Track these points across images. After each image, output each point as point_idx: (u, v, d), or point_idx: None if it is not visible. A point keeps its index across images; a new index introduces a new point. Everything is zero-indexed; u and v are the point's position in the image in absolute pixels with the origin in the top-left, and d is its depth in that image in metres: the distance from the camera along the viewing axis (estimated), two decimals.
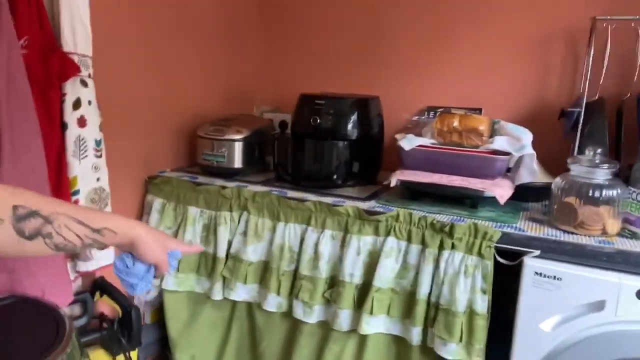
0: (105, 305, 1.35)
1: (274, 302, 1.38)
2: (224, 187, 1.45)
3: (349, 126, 1.51)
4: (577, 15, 1.51)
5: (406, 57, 1.81)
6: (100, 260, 1.33)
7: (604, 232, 1.13)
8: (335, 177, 1.48)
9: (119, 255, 0.76)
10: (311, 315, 1.32)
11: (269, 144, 1.68)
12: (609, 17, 1.36)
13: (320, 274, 1.30)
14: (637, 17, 1.33)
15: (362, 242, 1.26)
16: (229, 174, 1.59)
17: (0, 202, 0.58)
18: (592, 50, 1.36)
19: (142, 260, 0.73)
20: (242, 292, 1.42)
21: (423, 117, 1.71)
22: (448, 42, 1.74)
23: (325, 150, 1.46)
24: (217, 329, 1.52)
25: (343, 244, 1.29)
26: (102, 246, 0.69)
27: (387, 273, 1.23)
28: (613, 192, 1.13)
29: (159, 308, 1.60)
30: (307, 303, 1.32)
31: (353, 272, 1.26)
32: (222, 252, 1.43)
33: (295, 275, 1.35)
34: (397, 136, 1.46)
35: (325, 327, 1.34)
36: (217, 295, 1.44)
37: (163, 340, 1.64)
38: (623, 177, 1.19)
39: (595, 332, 1.02)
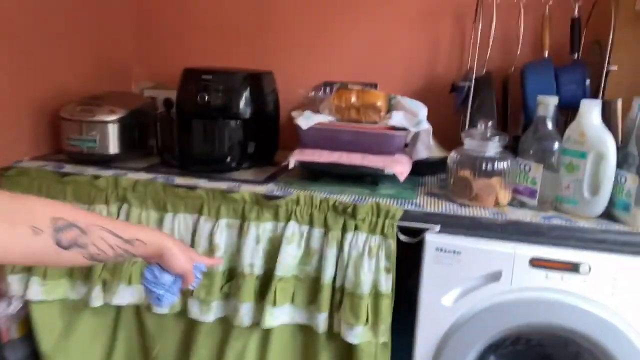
0: None
1: None
2: (97, 177, 1.25)
3: (242, 103, 1.38)
4: None
5: (299, 30, 1.72)
6: None
7: (497, 204, 1.16)
8: (228, 159, 1.35)
9: (147, 267, 0.76)
10: (209, 313, 1.20)
11: (151, 126, 1.49)
12: None
13: (216, 267, 1.18)
14: None
15: (261, 229, 1.16)
16: (104, 161, 1.38)
17: (40, 214, 0.60)
18: (480, 25, 1.38)
19: (170, 270, 0.75)
20: (127, 295, 1.25)
21: (320, 93, 1.64)
22: (342, 15, 1.68)
23: (216, 130, 1.32)
24: (99, 338, 1.33)
25: (240, 232, 1.18)
26: (132, 257, 0.71)
27: (289, 260, 1.15)
28: (503, 164, 1.15)
29: (26, 320, 1.36)
30: (204, 300, 1.20)
31: (253, 262, 1.17)
32: None
33: None
34: (294, 113, 1.37)
35: (225, 324, 1.23)
36: (96, 301, 1.25)
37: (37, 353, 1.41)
38: (510, 148, 1.23)
39: (493, 302, 1.05)
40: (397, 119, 1.26)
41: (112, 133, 1.36)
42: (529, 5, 1.38)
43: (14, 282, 1.27)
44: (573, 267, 1.00)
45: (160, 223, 1.22)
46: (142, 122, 1.47)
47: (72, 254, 0.63)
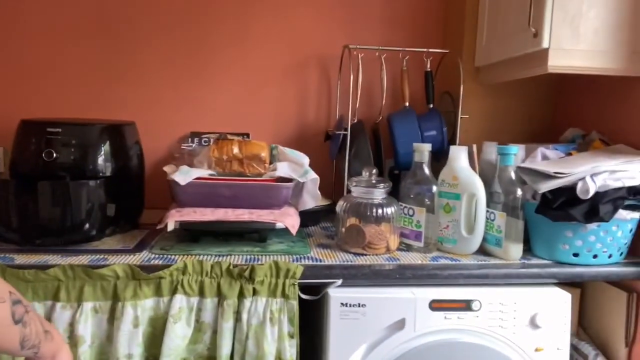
0: None
1: None
2: None
3: (100, 159, 1.18)
4: (330, 44, 1.60)
5: (162, 79, 1.58)
6: None
7: (388, 249, 1.18)
8: (86, 226, 1.13)
9: None
10: None
11: None
12: (357, 46, 1.46)
13: None
14: (380, 47, 1.47)
15: (140, 309, 0.97)
16: None
17: (1, 287, 0.64)
18: (344, 76, 1.44)
19: None
20: None
21: (191, 145, 1.51)
22: (208, 66, 1.60)
23: (70, 193, 1.09)
24: None
25: (112, 316, 0.97)
26: (36, 351, 0.69)
27: (177, 342, 0.98)
28: (390, 210, 1.18)
29: None
30: None
31: (131, 351, 0.96)
32: None
33: None
34: (166, 169, 1.23)
35: None
36: None
37: None
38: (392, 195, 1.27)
39: (399, 353, 1.03)
40: (284, 169, 1.21)
41: None
42: (388, 59, 1.49)
43: None
44: (467, 306, 1.05)
45: None
46: None
47: (16, 330, 0.64)
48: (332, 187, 1.59)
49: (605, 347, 1.25)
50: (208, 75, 1.60)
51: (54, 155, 1.12)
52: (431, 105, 1.52)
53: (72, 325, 0.96)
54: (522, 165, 1.21)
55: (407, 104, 1.52)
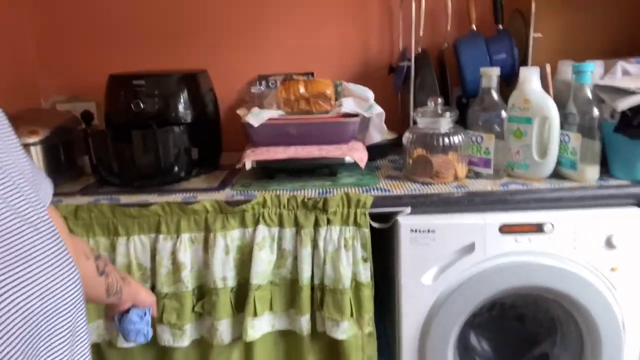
0: None
1: None
2: None
3: (181, 107, 1.28)
4: None
5: (227, 25, 1.63)
6: None
7: (456, 178, 1.19)
8: (176, 169, 1.25)
9: (126, 312, 0.81)
10: (182, 337, 1.11)
11: (77, 143, 1.34)
12: None
13: (185, 287, 1.10)
14: None
15: (229, 239, 1.09)
16: None
17: (85, 245, 0.71)
18: (405, 5, 1.40)
19: (145, 305, 0.83)
20: None
21: (259, 88, 1.57)
22: (269, 7, 1.61)
23: (158, 139, 1.21)
24: None
25: (206, 245, 1.10)
26: (119, 296, 0.76)
27: (263, 266, 1.09)
28: (458, 138, 1.18)
29: None
30: (175, 325, 1.11)
31: (225, 274, 1.10)
32: None
33: (156, 295, 1.11)
34: (240, 112, 1.30)
35: (202, 345, 1.15)
36: None
37: None
38: (460, 123, 1.26)
39: (471, 274, 1.08)
40: (349, 105, 1.24)
41: (36, 157, 1.20)
42: None
43: None
44: (538, 228, 1.06)
45: (112, 250, 1.10)
46: (67, 141, 1.31)
47: (102, 280, 0.70)
48: (399, 121, 1.59)
49: None
50: (269, 17, 1.63)
51: (141, 105, 1.23)
52: (500, 26, 1.44)
53: (173, 253, 1.10)
54: (600, 82, 1.14)
55: (474, 27, 1.46)
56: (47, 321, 0.42)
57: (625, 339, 1.09)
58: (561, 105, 1.14)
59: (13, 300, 0.39)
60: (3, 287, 0.38)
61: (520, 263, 1.06)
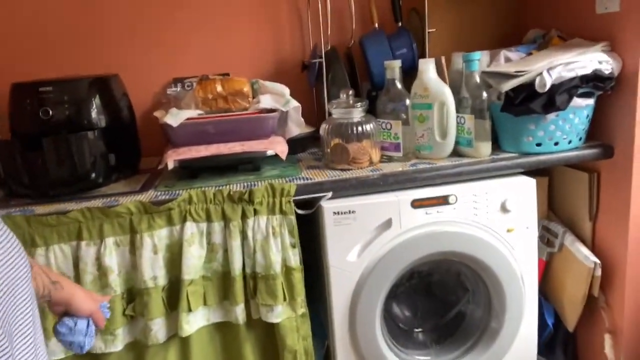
0: None
1: (59, 345, 1.08)
2: None
3: (94, 112, 1.26)
4: None
5: (139, 29, 1.60)
6: None
7: (371, 162, 1.29)
8: (93, 175, 1.22)
9: (57, 324, 0.81)
10: (115, 342, 1.10)
11: None
12: None
13: (113, 291, 1.08)
14: None
15: (156, 238, 1.10)
16: None
17: None
18: (313, 5, 1.48)
19: (80, 313, 0.81)
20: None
21: (175, 90, 1.57)
22: (182, 9, 1.62)
23: (71, 145, 1.18)
24: None
25: (133, 247, 1.10)
26: (48, 298, 0.77)
27: (194, 261, 1.11)
28: (370, 126, 1.28)
29: None
30: (107, 330, 1.09)
31: (155, 274, 1.10)
32: None
33: None
34: (157, 114, 1.30)
35: (137, 347, 1.14)
36: None
37: None
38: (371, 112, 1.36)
39: (390, 247, 1.18)
40: (267, 101, 1.29)
41: None
42: None
43: None
44: (444, 201, 1.18)
45: None
46: None
47: None
48: (315, 115, 1.67)
49: (573, 224, 1.42)
50: (181, 20, 1.63)
51: (50, 112, 1.19)
52: (400, 24, 1.57)
53: (98, 259, 1.08)
54: (487, 69, 1.30)
55: (376, 25, 1.58)
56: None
57: (525, 290, 1.25)
58: (456, 91, 1.28)
59: None
60: None
61: (431, 233, 1.18)
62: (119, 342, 1.10)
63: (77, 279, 1.08)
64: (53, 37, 1.56)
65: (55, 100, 1.21)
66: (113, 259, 1.08)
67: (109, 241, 1.08)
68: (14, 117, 1.22)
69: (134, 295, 1.12)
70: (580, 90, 1.17)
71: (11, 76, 1.33)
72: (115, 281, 1.08)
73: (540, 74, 1.16)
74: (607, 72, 1.17)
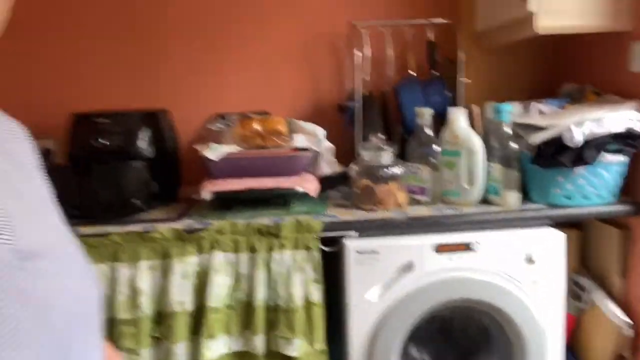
0: None
1: None
2: None
3: (142, 143, 1.36)
4: (336, 22, 1.72)
5: (188, 67, 1.74)
6: None
7: (397, 205, 1.32)
8: (135, 201, 1.32)
9: None
10: None
11: None
12: (363, 23, 1.58)
13: (142, 312, 1.14)
14: (383, 22, 1.58)
15: (186, 265, 1.16)
16: None
17: None
18: (353, 51, 1.56)
19: None
20: None
21: (218, 125, 1.67)
22: (228, 51, 1.74)
23: (119, 173, 1.28)
24: None
25: (165, 272, 1.16)
26: None
27: (220, 290, 1.16)
28: (398, 169, 1.32)
29: None
30: (132, 350, 1.15)
31: (182, 299, 1.15)
32: None
33: (112, 322, 1.15)
34: (198, 147, 1.39)
35: None
36: None
37: None
38: (401, 156, 1.40)
39: (411, 289, 1.19)
40: (301, 140, 1.36)
41: None
42: (392, 33, 1.60)
43: None
44: (467, 247, 1.19)
45: None
46: None
47: None
48: (348, 155, 1.72)
49: (605, 280, 1.38)
50: (227, 60, 1.75)
51: (103, 142, 1.30)
52: (435, 72, 1.63)
53: (132, 281, 1.15)
54: (519, 120, 1.32)
55: (412, 72, 1.64)
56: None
57: (547, 344, 1.22)
58: (487, 140, 1.30)
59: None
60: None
61: (453, 278, 1.19)
62: None
63: (111, 298, 1.15)
64: (109, 71, 1.71)
65: (109, 131, 1.33)
66: (146, 281, 1.15)
67: (144, 264, 1.15)
68: (71, 144, 1.34)
69: (162, 317, 1.17)
70: (610, 147, 1.17)
71: (70, 105, 1.48)
72: (146, 303, 1.15)
73: (569, 128, 1.17)
74: (639, 130, 1.17)
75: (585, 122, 1.17)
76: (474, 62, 1.61)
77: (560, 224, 1.28)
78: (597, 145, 1.16)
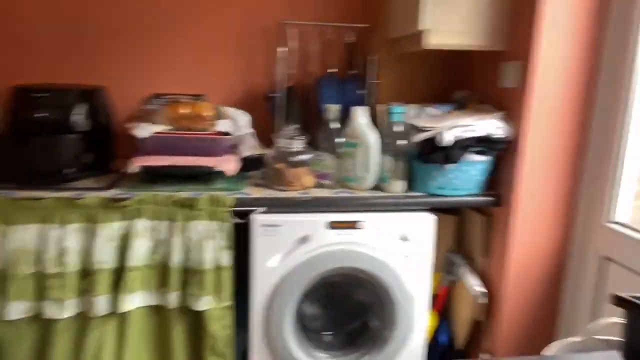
0: None
1: (17, 309, 1.31)
2: None
3: (77, 117, 1.50)
4: (269, 18, 1.89)
5: (130, 46, 1.86)
6: None
7: (304, 187, 1.54)
8: (69, 170, 1.47)
9: None
10: (63, 310, 1.32)
11: None
12: (292, 22, 1.77)
13: (69, 268, 1.32)
14: (310, 22, 1.77)
15: (111, 229, 1.33)
16: None
17: None
18: (283, 47, 1.75)
19: None
20: None
21: (151, 105, 1.82)
22: (168, 32, 1.88)
23: (56, 145, 1.43)
24: None
25: (91, 234, 1.33)
26: None
27: (140, 252, 1.35)
28: (307, 156, 1.53)
29: None
30: (59, 299, 1.32)
31: (104, 258, 1.33)
32: None
33: (38, 276, 1.32)
34: (129, 125, 1.55)
35: (81, 318, 1.36)
36: None
37: None
38: (312, 144, 1.62)
39: (306, 258, 1.42)
40: (223, 125, 1.54)
41: None
42: (318, 33, 1.80)
43: None
44: (354, 225, 1.43)
45: (4, 235, 1.29)
46: None
47: None
48: (271, 141, 1.92)
49: (471, 258, 1.66)
50: (168, 43, 1.89)
51: (42, 115, 1.44)
52: (353, 71, 1.84)
53: (60, 241, 1.31)
54: (411, 121, 1.56)
55: (332, 70, 1.85)
56: None
57: (415, 308, 1.49)
58: (382, 136, 1.53)
59: None
60: None
61: (341, 250, 1.43)
62: (68, 310, 1.33)
63: (40, 255, 1.31)
64: (52, 47, 1.82)
65: (48, 105, 1.46)
66: (73, 242, 1.32)
67: (73, 227, 1.32)
68: (11, 115, 1.47)
69: (87, 273, 1.35)
70: (473, 149, 1.43)
71: (11, 78, 1.59)
72: (73, 260, 1.32)
73: (442, 132, 1.42)
74: (497, 136, 1.43)
75: (456, 127, 1.41)
76: (387, 64, 1.83)
77: (440, 210, 1.54)
78: (463, 147, 1.41)
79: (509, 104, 1.49)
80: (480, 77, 1.68)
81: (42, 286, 1.31)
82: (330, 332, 1.61)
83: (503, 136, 1.44)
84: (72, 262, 1.32)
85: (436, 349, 1.67)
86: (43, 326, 1.36)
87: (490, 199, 1.53)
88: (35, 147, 1.42)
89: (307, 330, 1.55)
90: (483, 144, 1.44)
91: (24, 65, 1.81)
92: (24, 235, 1.30)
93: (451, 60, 1.86)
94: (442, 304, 1.69)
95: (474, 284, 1.56)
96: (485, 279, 1.60)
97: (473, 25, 1.47)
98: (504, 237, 1.51)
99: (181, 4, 1.87)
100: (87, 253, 1.34)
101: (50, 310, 1.32)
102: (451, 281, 1.67)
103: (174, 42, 1.90)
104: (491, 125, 1.44)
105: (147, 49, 1.89)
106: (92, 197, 1.34)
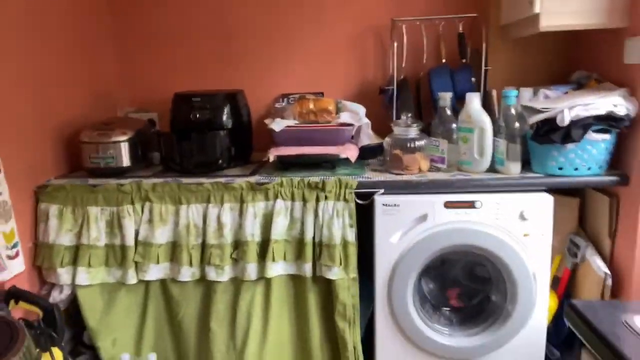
0: (22, 311, 1.43)
1: (187, 273, 1.62)
2: (121, 185, 1.61)
3: (225, 117, 1.79)
4: (381, 17, 2.04)
5: (259, 56, 2.14)
6: (13, 269, 1.41)
7: (420, 170, 1.65)
8: (220, 161, 1.76)
9: None
10: (223, 274, 1.60)
11: (149, 142, 1.86)
12: (402, 18, 1.89)
13: (225, 240, 1.59)
14: (419, 17, 1.88)
15: (256, 208, 1.58)
16: (118, 172, 1.73)
17: None
18: (395, 43, 1.88)
19: None
20: (155, 272, 1.62)
21: (281, 104, 2.08)
22: (292, 42, 2.13)
23: (209, 140, 1.72)
24: (133, 311, 1.69)
25: (241, 212, 1.59)
26: None
27: (279, 228, 1.58)
28: (422, 142, 1.65)
29: (66, 309, 1.69)
30: (218, 266, 1.60)
31: (253, 232, 1.58)
32: (130, 241, 1.60)
33: (204, 247, 1.61)
34: (267, 121, 1.80)
35: (236, 282, 1.64)
36: (132, 279, 1.61)
37: (75, 337, 1.74)
38: (426, 131, 1.73)
39: (424, 236, 1.53)
40: (345, 117, 1.72)
41: (125, 150, 1.72)
42: (427, 27, 1.90)
43: (63, 273, 1.60)
44: (471, 205, 1.51)
45: (176, 214, 1.61)
46: (143, 140, 1.83)
47: None
48: (387, 130, 2.06)
49: (596, 240, 1.64)
50: (292, 53, 2.13)
51: (197, 115, 1.74)
52: (464, 61, 1.91)
53: (218, 217, 1.59)
54: (523, 104, 1.59)
55: (443, 60, 1.93)
56: None
57: (536, 286, 1.52)
58: (496, 120, 1.59)
59: None
60: None
61: (457, 228, 1.52)
62: (225, 275, 1.60)
63: (204, 229, 1.60)
64: (202, 61, 2.16)
65: (201, 107, 1.77)
66: (228, 218, 1.59)
67: (226, 206, 1.59)
68: (174, 116, 1.80)
69: (238, 245, 1.61)
70: (595, 127, 1.42)
71: (172, 86, 1.93)
72: (228, 234, 1.59)
73: (562, 111, 1.44)
74: (620, 114, 1.41)
75: (576, 106, 1.43)
76: (498, 51, 1.87)
77: (561, 191, 1.56)
78: (583, 125, 1.42)
79: (633, 81, 1.46)
80: (600, 56, 1.65)
81: (205, 254, 1.60)
82: (449, 308, 1.71)
83: (627, 113, 1.42)
84: (228, 235, 1.59)
85: (557, 335, 1.67)
86: (206, 287, 1.65)
87: (614, 178, 1.50)
88: (195, 142, 1.72)
89: (427, 303, 1.67)
90: (605, 121, 1.43)
91: (180, 77, 2.17)
92: (191, 213, 1.60)
93: (566, 41, 1.84)
94: (565, 287, 1.68)
95: (600, 265, 1.55)
96: (612, 261, 1.57)
97: (590, 4, 1.47)
98: (632, 218, 1.48)
99: (301, 18, 2.10)
100: (239, 227, 1.60)
101: (212, 274, 1.60)
102: (574, 264, 1.67)
103: (298, 49, 2.13)
104: (614, 103, 1.42)
105: (275, 57, 2.15)
106: (241, 182, 1.59)
